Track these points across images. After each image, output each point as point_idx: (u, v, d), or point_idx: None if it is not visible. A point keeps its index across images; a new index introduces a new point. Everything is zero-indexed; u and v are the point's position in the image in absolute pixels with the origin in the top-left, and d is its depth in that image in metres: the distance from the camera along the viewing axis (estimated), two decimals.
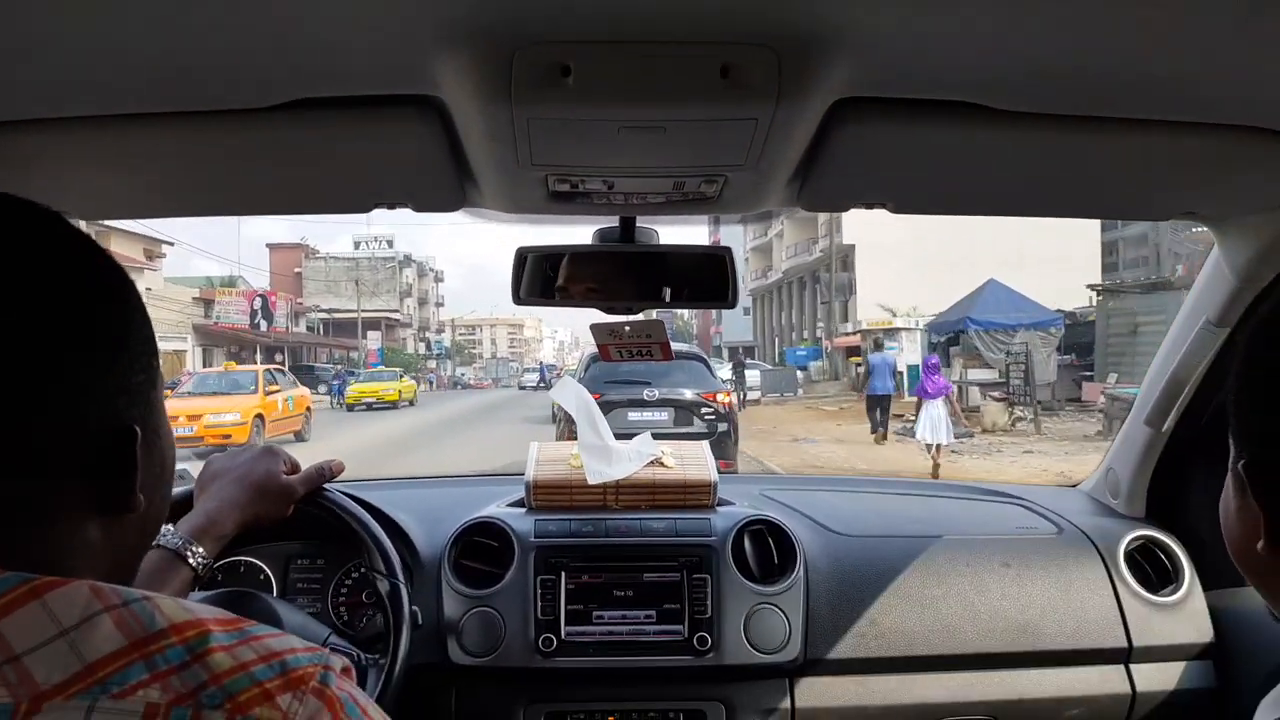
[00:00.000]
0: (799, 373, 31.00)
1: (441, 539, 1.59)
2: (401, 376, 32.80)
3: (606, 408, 9.27)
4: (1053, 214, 1.39)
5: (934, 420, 11.74)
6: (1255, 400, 0.66)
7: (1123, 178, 1.18)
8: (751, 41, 0.78)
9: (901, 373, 20.48)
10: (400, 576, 1.34)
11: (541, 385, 43.11)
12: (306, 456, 1.35)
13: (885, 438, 15.20)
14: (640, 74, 0.82)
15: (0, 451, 0.54)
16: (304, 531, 1.49)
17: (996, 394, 17.80)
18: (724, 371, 32.16)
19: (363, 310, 62.09)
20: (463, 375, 68.90)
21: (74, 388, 0.57)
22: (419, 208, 1.25)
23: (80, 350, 0.57)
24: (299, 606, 1.44)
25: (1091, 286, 25.26)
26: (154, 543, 1.10)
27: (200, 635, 0.54)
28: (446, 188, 1.14)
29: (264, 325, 42.39)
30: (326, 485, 1.34)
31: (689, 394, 10.26)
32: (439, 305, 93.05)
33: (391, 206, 1.25)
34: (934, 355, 15.18)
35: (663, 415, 9.93)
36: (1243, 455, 0.67)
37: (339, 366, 46.26)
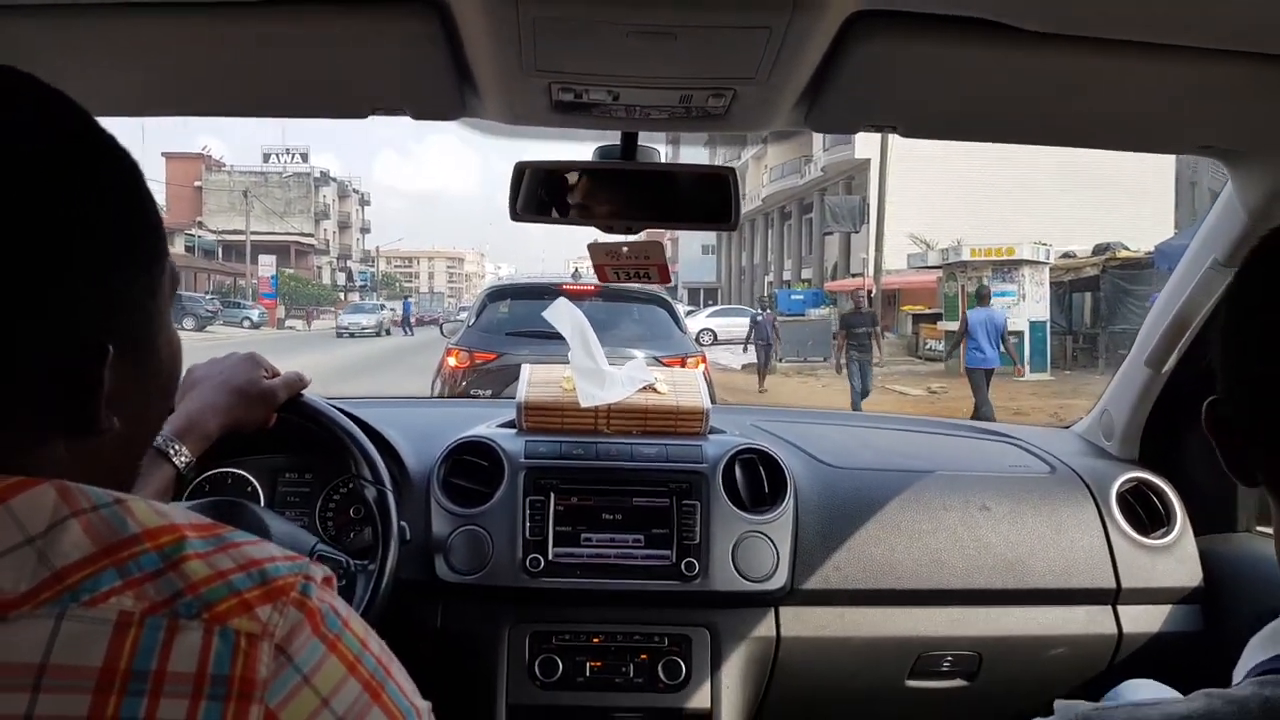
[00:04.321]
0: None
1: (431, 457, 1.80)
2: None
3: (509, 374, 7.38)
4: (1067, 143, 1.52)
5: None
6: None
7: (1144, 106, 1.29)
8: None
9: (1020, 332, 15.18)
10: (387, 483, 1.55)
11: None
12: None
13: None
14: None
15: None
16: (291, 445, 1.69)
17: None
18: (699, 319, 29.56)
19: (268, 233, 60.58)
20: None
21: (68, 293, 0.58)
22: (417, 115, 1.38)
23: (77, 251, 0.59)
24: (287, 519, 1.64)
25: None
26: None
27: (175, 541, 0.57)
28: (446, 94, 1.25)
29: None
30: (309, 394, 1.53)
31: (642, 358, 8.08)
32: (364, 231, 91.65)
33: (389, 113, 1.37)
34: None
35: None
36: None
37: (212, 295, 44.34)
